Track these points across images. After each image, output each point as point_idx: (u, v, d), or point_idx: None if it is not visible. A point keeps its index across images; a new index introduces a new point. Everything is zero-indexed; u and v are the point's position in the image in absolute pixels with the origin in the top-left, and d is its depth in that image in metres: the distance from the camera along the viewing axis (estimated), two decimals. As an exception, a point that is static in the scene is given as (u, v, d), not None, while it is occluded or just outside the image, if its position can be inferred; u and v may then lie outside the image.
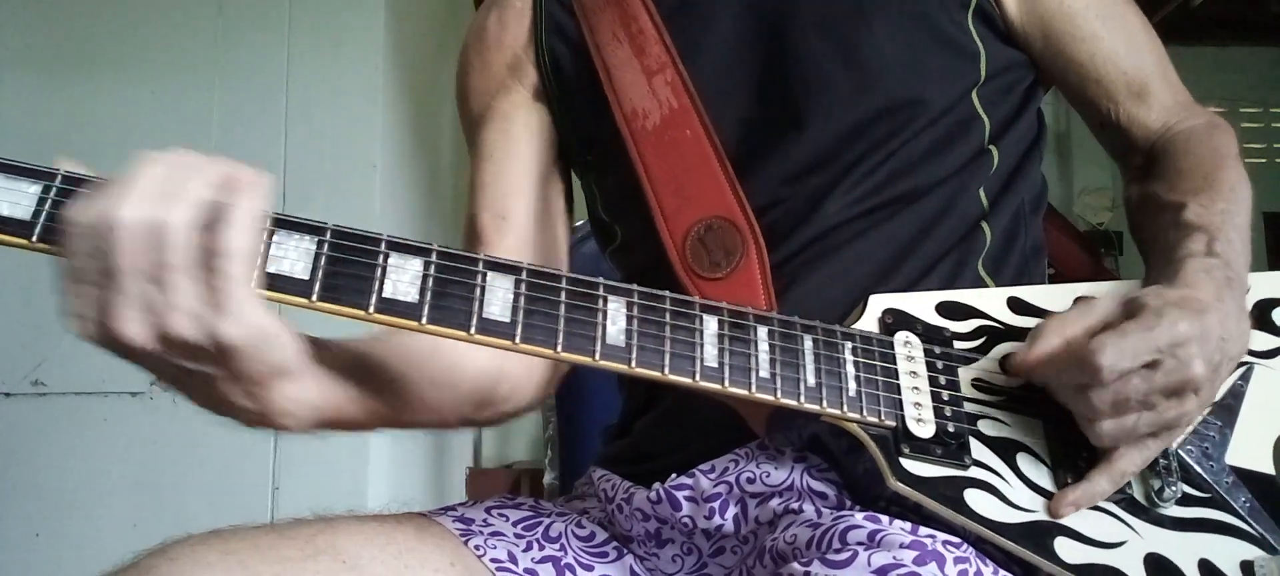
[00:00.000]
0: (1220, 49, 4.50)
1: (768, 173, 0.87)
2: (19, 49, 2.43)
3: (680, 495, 0.81)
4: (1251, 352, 0.81)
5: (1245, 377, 0.81)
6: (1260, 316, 0.84)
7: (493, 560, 0.78)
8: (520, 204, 0.95)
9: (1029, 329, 0.79)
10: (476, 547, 0.78)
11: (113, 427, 2.31)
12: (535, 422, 2.87)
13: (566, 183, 1.03)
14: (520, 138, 0.97)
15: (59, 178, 0.59)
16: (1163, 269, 0.79)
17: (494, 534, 0.80)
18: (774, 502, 0.77)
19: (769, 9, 0.91)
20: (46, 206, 0.58)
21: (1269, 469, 0.78)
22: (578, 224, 1.33)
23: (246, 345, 0.58)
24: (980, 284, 0.86)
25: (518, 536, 0.82)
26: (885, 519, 0.69)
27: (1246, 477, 0.77)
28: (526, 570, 0.79)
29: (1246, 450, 0.78)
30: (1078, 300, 0.77)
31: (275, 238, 0.61)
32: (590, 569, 0.82)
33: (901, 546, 0.65)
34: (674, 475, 0.82)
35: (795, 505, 0.76)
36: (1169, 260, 0.79)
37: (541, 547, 0.81)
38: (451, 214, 3.23)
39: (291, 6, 2.49)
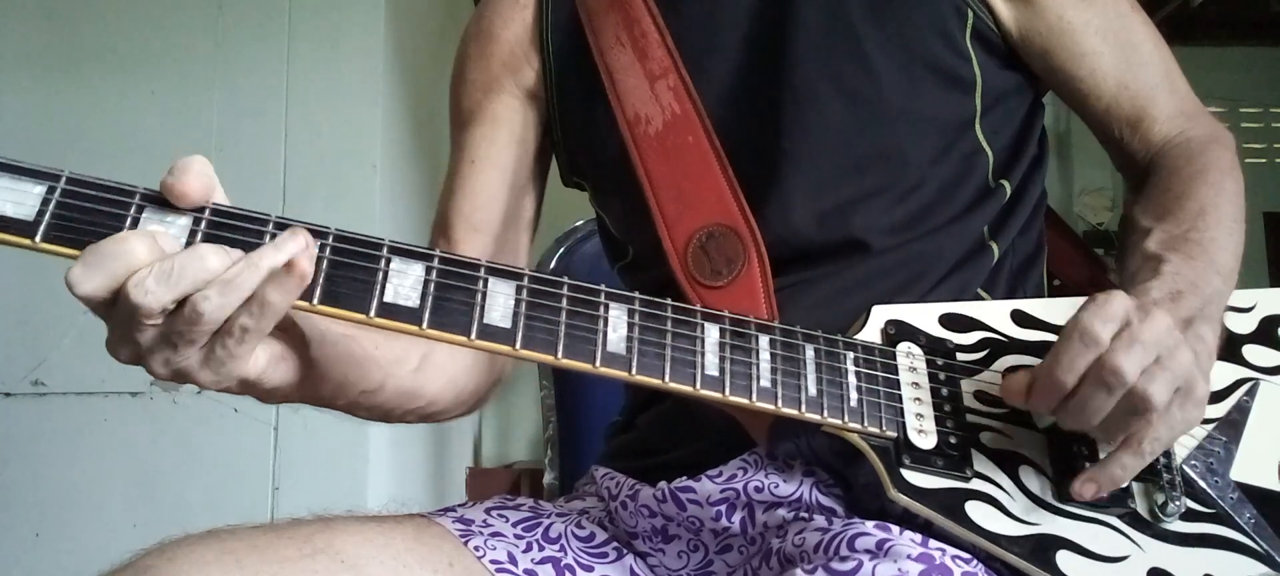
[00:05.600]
0: (1220, 49, 4.48)
1: (770, 199, 0.86)
2: (19, 49, 2.43)
3: (685, 498, 0.80)
4: (1257, 368, 0.81)
5: (1251, 394, 0.80)
6: (1265, 332, 0.83)
7: (492, 561, 0.78)
8: (494, 214, 0.95)
9: (1031, 341, 0.79)
10: (476, 548, 0.78)
11: (113, 427, 2.31)
12: (535, 422, 2.86)
13: (540, 192, 1.02)
14: (505, 145, 0.97)
15: (63, 179, 0.59)
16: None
17: (494, 534, 0.80)
18: (782, 511, 0.77)
19: (770, 39, 0.89)
20: (50, 208, 0.58)
21: (1274, 485, 0.77)
22: (578, 223, 1.33)
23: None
24: (978, 299, 0.85)
25: (517, 537, 0.82)
26: (896, 529, 0.69)
27: (1251, 494, 0.76)
28: (526, 571, 0.78)
29: (1252, 466, 0.77)
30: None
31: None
32: (590, 569, 0.82)
33: (909, 558, 0.65)
34: (682, 477, 0.81)
35: (805, 516, 0.76)
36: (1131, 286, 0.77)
37: (541, 548, 0.81)
38: (452, 214, 3.22)
39: (291, 6, 2.49)
